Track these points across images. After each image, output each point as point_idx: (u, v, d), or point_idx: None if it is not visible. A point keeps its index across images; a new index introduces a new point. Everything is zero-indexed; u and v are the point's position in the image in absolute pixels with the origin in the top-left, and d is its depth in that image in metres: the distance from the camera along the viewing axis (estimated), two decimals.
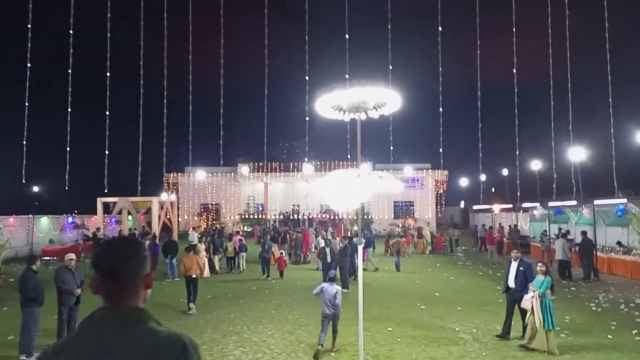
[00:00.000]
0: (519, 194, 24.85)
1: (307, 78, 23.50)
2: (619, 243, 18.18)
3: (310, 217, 36.58)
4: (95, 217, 30.11)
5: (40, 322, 8.14)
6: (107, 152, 22.04)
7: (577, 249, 16.30)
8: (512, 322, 8.59)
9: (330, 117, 7.77)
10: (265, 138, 26.76)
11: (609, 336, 8.84)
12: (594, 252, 15.84)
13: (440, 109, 22.72)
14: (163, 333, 1.53)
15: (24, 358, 7.74)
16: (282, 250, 18.89)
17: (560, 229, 20.85)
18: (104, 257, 1.61)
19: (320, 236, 22.49)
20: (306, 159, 38.88)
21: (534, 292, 7.88)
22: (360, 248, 8.01)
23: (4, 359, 7.97)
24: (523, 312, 8.34)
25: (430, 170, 40.04)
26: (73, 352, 1.49)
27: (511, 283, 8.74)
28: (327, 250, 14.53)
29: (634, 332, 9.11)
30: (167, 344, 1.50)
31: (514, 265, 8.79)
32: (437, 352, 7.89)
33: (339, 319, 8.19)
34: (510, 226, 27.58)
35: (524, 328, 8.30)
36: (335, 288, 8.22)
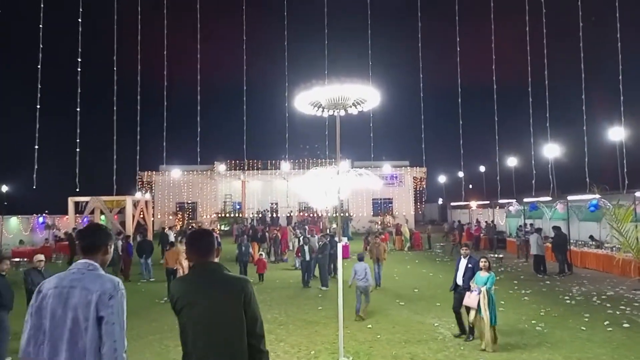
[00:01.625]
0: (499, 188, 25.25)
1: (286, 74, 23.36)
2: (591, 237, 18.65)
3: (290, 215, 36.42)
4: (67, 217, 29.34)
5: (10, 325, 7.83)
6: (78, 149, 21.38)
7: (551, 243, 16.58)
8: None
9: (310, 114, 7.70)
10: (244, 135, 26.47)
11: (583, 328, 9.02)
12: (568, 247, 16.17)
13: (422, 105, 22.87)
14: (232, 275, 2.94)
15: None
16: (262, 252, 17.83)
17: (531, 224, 21.28)
18: (197, 238, 3.04)
19: (294, 234, 22.40)
20: (285, 157, 38.83)
21: (480, 289, 7.65)
22: (340, 246, 7.98)
23: None
24: (466, 310, 8.09)
25: (408, 168, 40.36)
26: (187, 283, 2.91)
27: (459, 280, 8.44)
28: (306, 248, 14.44)
29: (605, 323, 9.31)
30: (235, 280, 2.88)
31: (463, 262, 8.51)
32: (417, 348, 7.90)
33: (369, 291, 10.30)
34: (487, 222, 28.04)
35: (470, 328, 8.14)
36: (364, 265, 10.40)
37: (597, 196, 15.36)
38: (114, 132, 23.44)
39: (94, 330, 2.55)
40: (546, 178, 21.39)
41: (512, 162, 24.54)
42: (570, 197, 17.08)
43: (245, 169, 39.47)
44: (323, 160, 37.28)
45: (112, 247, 2.94)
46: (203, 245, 2.98)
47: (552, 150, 18.54)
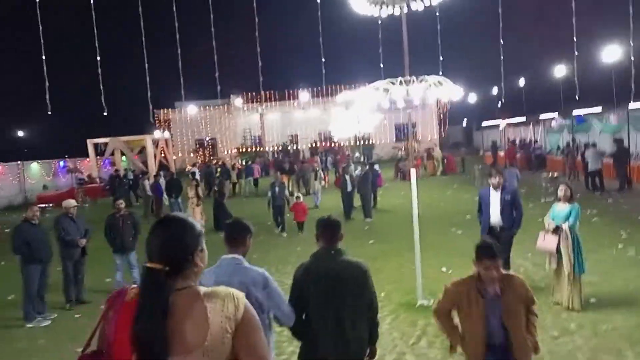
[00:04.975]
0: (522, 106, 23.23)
1: None
2: None
3: (313, 145, 35.38)
4: (88, 159, 28.77)
5: (47, 278, 7.12)
6: (102, 87, 19.71)
7: (613, 157, 15.22)
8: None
9: (365, 14, 6.30)
10: (259, 64, 24.66)
11: None
12: (629, 161, 14.87)
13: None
14: (353, 259, 3.23)
15: (29, 325, 6.75)
16: (299, 194, 13.76)
17: (573, 140, 19.76)
18: (327, 223, 3.29)
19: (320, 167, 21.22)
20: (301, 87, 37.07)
21: (558, 227, 5.87)
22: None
23: (6, 321, 7.02)
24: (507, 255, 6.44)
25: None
26: (315, 268, 3.16)
27: (496, 219, 6.48)
28: (347, 178, 13.39)
29: None
30: (357, 264, 3.19)
31: (495, 196, 6.53)
32: None
33: None
34: (521, 140, 26.61)
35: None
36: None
37: None
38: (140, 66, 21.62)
39: None
40: (598, 88, 19.37)
41: (559, 71, 22.14)
42: (631, 105, 15.31)
43: (262, 100, 37.84)
44: (343, 86, 35.52)
45: (250, 239, 3.23)
46: (331, 233, 3.25)
47: (612, 53, 16.28)
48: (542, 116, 24.06)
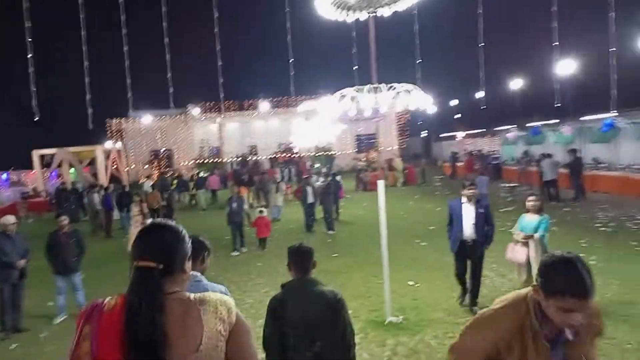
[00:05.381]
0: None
1: None
2: (594, 160, 17.85)
3: (273, 157, 34.92)
4: (34, 171, 27.12)
5: None
6: (35, 96, 18.72)
7: (569, 167, 15.64)
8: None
9: (333, 19, 6.04)
10: (218, 73, 24.12)
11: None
12: (582, 171, 15.30)
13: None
14: (327, 289, 3.09)
15: None
16: (262, 208, 12.27)
17: (525, 152, 20.35)
18: (299, 252, 3.19)
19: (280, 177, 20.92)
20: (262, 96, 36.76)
21: (526, 237, 5.94)
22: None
23: None
24: (478, 271, 6.18)
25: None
26: (291, 298, 3.03)
27: (469, 233, 6.06)
28: (309, 189, 13.05)
29: None
30: (330, 294, 3.05)
31: (468, 208, 6.09)
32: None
33: None
34: (478, 151, 27.14)
35: (465, 288, 6.36)
36: None
37: (614, 114, 14.31)
38: (88, 76, 20.75)
39: None
40: (553, 101, 19.95)
41: (516, 84, 22.79)
42: (583, 117, 15.88)
43: (221, 110, 37.08)
44: (304, 97, 35.34)
45: (208, 257, 3.08)
46: (303, 262, 3.17)
47: (566, 67, 16.85)
48: (500, 128, 24.67)
